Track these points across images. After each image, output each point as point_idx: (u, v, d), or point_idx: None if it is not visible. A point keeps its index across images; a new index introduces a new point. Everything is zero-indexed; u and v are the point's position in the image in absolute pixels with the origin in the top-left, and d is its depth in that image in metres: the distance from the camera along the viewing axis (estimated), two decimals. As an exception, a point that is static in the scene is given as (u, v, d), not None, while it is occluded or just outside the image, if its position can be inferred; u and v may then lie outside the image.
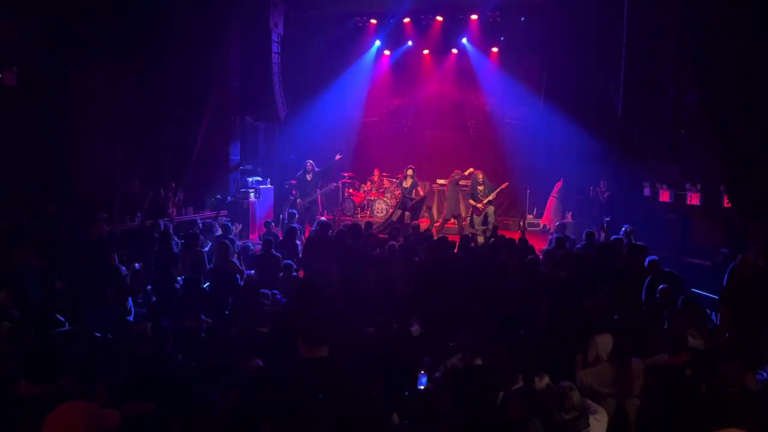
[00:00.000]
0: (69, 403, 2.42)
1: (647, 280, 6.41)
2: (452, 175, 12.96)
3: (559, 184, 13.55)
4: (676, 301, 5.80)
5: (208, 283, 6.50)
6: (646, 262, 6.67)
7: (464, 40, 15.00)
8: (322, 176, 12.57)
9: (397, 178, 13.79)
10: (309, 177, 12.40)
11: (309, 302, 5.08)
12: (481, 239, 10.15)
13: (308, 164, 12.51)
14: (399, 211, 12.66)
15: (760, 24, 7.79)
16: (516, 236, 9.06)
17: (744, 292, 5.35)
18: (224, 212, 11.83)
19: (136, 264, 7.35)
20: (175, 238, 8.17)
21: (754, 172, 8.28)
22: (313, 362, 3.36)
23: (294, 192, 12.51)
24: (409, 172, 12.88)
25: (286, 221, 10.25)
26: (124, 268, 6.39)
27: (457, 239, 8.96)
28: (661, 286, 6.03)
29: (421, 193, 13.37)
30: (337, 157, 12.38)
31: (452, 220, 12.82)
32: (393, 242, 7.44)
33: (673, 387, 4.13)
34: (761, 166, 8.15)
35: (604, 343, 4.73)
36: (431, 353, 4.51)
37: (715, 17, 8.40)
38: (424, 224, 12.23)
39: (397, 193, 13.89)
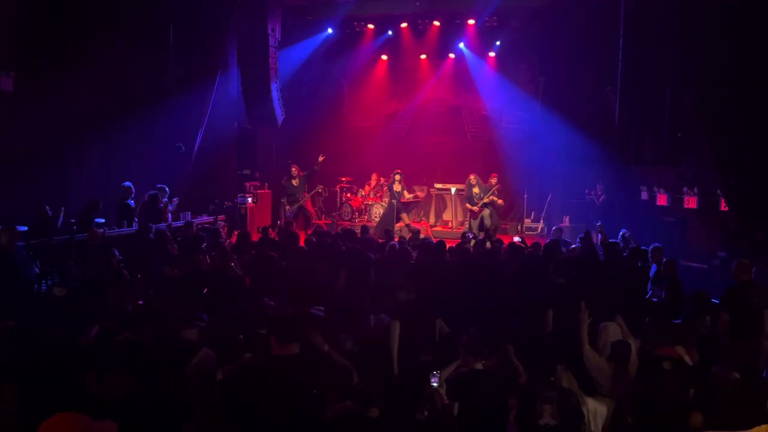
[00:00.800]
0: (64, 414, 2.39)
1: (653, 269, 6.64)
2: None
3: None
4: (677, 272, 6.18)
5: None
6: (650, 250, 6.86)
7: (461, 45, 15.06)
8: (308, 180, 12.48)
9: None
10: (295, 182, 12.29)
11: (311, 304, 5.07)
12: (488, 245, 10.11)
13: (293, 169, 12.39)
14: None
15: (756, 29, 7.85)
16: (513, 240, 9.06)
17: (743, 296, 5.35)
18: (222, 217, 11.78)
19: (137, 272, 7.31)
20: (171, 242, 8.12)
21: (751, 175, 8.32)
22: (284, 359, 3.36)
23: (283, 200, 12.46)
24: (397, 177, 12.81)
25: (283, 227, 10.22)
26: (126, 272, 6.37)
27: (454, 243, 8.94)
28: (664, 260, 6.33)
29: (419, 195, 13.31)
30: (321, 158, 12.25)
31: (450, 221, 12.79)
32: (393, 242, 7.41)
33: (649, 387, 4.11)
34: (758, 170, 8.19)
35: (614, 332, 4.78)
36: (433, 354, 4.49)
37: (712, 21, 8.47)
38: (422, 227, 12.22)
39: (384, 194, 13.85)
